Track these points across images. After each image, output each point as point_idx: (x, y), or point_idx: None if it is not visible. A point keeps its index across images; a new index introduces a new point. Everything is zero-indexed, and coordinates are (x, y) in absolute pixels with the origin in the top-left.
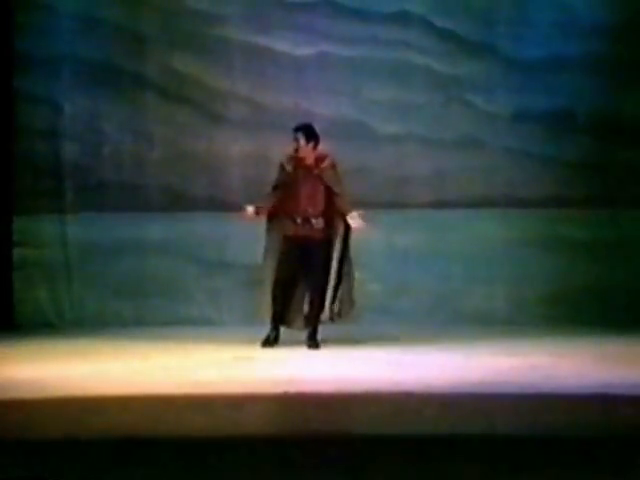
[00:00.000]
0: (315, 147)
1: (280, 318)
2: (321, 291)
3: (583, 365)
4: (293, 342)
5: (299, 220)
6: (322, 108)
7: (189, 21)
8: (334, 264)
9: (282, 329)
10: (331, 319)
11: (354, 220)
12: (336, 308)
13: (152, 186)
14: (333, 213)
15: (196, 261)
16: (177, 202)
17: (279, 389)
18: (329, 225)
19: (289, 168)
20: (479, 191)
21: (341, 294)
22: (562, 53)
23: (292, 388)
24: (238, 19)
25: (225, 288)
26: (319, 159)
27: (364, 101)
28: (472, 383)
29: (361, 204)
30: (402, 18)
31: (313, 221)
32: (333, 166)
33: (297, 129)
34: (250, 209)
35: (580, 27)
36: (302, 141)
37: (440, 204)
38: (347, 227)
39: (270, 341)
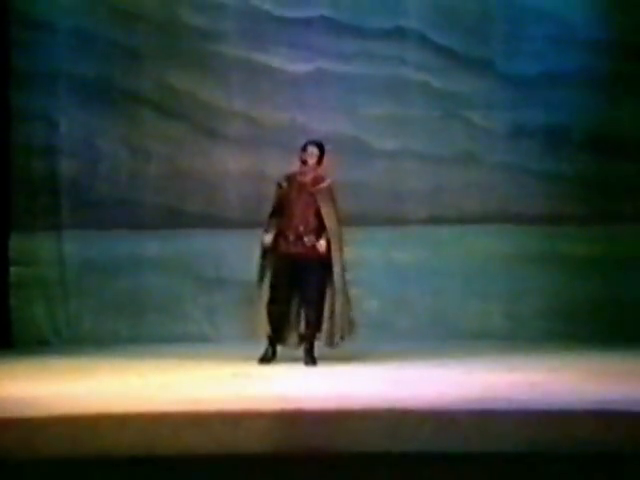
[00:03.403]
0: (318, 166)
1: (276, 336)
2: (316, 308)
3: (581, 381)
4: (290, 359)
5: (291, 237)
6: (318, 124)
7: (185, 37)
8: (328, 290)
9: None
10: (330, 345)
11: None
12: (336, 337)
13: (149, 203)
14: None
15: (193, 278)
16: (174, 219)
17: (277, 406)
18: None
19: (285, 185)
20: (476, 207)
21: (340, 318)
22: (559, 69)
23: (290, 405)
24: (234, 35)
25: (222, 305)
26: (318, 179)
27: (360, 117)
28: (470, 399)
29: (358, 220)
30: (398, 34)
31: (305, 239)
32: (330, 190)
33: (313, 143)
34: (269, 240)
35: (576, 42)
36: (314, 158)
37: (437, 220)
38: (329, 248)
39: (267, 358)
